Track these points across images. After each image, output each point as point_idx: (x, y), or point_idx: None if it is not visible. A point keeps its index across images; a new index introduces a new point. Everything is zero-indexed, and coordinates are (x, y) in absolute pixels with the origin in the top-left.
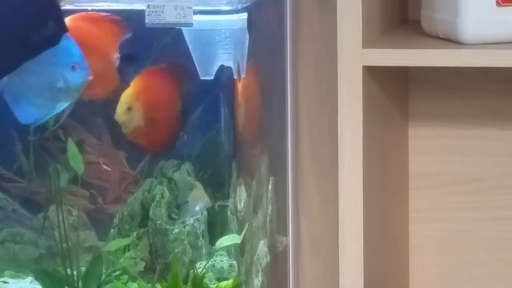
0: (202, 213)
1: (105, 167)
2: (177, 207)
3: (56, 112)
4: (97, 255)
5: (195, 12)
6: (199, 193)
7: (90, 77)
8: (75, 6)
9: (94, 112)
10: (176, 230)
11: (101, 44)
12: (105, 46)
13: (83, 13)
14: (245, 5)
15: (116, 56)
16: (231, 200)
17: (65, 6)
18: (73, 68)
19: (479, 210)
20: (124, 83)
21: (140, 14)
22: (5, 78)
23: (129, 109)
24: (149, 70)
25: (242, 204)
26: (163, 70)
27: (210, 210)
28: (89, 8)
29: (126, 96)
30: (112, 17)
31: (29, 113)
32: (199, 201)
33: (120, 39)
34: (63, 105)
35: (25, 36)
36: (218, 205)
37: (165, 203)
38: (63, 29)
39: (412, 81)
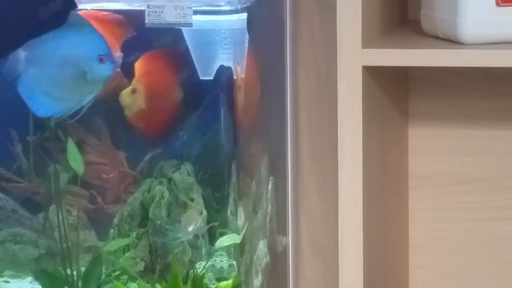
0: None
1: (105, 176)
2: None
3: (81, 105)
4: (97, 255)
5: (195, 12)
6: (193, 214)
7: (118, 69)
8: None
9: (94, 111)
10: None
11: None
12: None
13: (86, 11)
14: (244, 5)
15: (118, 54)
16: (229, 226)
17: None
18: (101, 60)
19: (479, 210)
20: (125, 82)
21: (140, 14)
22: (21, 70)
23: (133, 91)
24: (151, 52)
25: (240, 223)
26: (165, 53)
27: (210, 210)
28: (89, 8)
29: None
30: (115, 16)
31: (47, 105)
32: (191, 223)
33: (123, 38)
34: (87, 98)
35: (32, 12)
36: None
37: (164, 203)
38: (70, 5)
39: (412, 81)
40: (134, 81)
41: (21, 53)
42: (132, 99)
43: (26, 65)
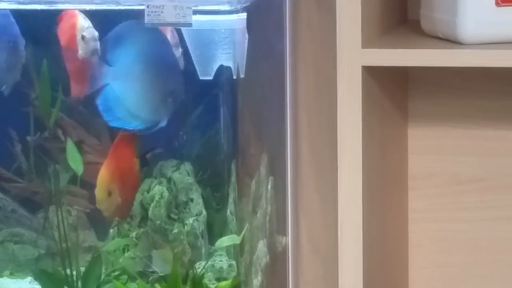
0: (201, 214)
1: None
2: (176, 207)
3: (158, 127)
4: (96, 255)
5: (195, 12)
6: (166, 255)
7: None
8: (75, 6)
9: (93, 111)
10: (176, 230)
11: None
12: None
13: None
14: (244, 5)
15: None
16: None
17: (64, 6)
18: None
19: (479, 210)
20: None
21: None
22: (102, 84)
23: (109, 194)
24: (113, 146)
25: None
26: (123, 138)
27: (209, 210)
28: (88, 8)
29: (103, 182)
30: None
31: (123, 120)
32: (161, 261)
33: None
34: (165, 121)
35: None
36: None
37: (164, 203)
38: None
39: (412, 81)
40: (106, 184)
41: (107, 67)
42: (110, 201)
43: (110, 80)
